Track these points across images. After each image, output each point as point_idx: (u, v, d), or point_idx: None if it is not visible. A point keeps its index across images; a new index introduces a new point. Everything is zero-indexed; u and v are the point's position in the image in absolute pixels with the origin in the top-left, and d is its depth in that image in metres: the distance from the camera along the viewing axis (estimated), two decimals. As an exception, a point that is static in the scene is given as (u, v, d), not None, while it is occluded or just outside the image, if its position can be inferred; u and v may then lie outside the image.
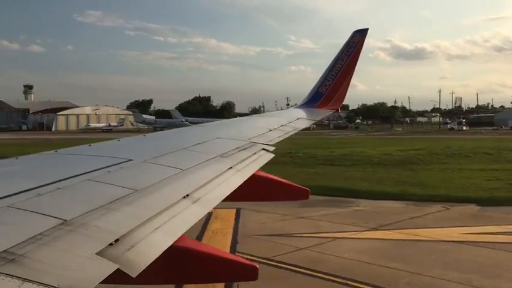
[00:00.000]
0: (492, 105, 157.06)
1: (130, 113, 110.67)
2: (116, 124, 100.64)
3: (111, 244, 1.93)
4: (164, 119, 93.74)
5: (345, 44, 9.07)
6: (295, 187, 4.85)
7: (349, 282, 8.81)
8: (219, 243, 11.36)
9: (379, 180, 21.81)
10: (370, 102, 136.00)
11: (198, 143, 4.59)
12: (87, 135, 74.68)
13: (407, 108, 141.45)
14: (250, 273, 2.74)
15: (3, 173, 2.86)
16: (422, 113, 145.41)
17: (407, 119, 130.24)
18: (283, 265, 9.80)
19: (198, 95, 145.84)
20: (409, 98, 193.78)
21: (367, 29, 9.13)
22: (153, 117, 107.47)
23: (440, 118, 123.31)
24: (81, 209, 2.19)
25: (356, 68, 9.23)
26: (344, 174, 24.01)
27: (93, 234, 1.98)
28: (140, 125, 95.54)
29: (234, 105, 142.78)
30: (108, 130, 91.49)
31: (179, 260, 2.49)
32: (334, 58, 9.16)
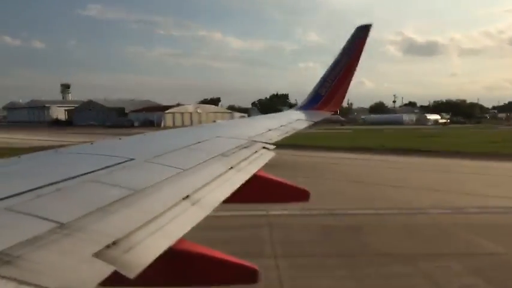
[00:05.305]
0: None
1: (229, 111, 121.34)
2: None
3: (108, 246, 1.92)
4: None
5: (346, 43, 8.96)
6: (296, 188, 4.56)
7: None
8: None
9: None
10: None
11: (199, 142, 4.62)
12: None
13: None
14: (250, 276, 2.69)
15: (3, 173, 2.87)
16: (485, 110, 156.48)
17: (487, 115, 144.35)
18: None
19: (276, 93, 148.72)
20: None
21: (370, 25, 8.93)
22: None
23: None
24: (80, 211, 2.19)
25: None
26: None
27: (91, 237, 1.98)
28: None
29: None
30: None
31: (177, 263, 2.47)
32: (335, 60, 9.11)
